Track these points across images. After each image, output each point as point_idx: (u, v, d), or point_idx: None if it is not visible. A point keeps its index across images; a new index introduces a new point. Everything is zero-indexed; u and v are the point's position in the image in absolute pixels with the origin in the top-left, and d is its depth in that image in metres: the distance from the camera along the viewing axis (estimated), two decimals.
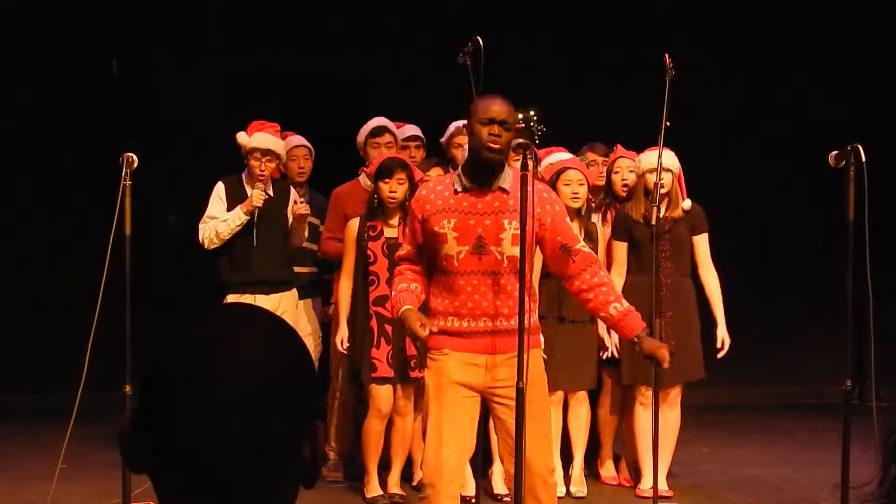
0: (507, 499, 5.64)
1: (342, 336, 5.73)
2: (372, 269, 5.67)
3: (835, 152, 4.93)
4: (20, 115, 9.10)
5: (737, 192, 9.05)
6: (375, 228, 5.68)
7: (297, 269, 6.19)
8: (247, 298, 5.79)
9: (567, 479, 5.98)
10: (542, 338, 4.57)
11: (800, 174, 8.35)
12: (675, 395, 5.85)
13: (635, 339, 4.10)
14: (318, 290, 6.51)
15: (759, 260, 9.29)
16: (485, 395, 4.13)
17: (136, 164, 4.92)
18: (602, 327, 5.86)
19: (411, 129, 6.52)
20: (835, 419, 5.37)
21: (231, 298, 5.84)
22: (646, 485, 5.80)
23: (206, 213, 5.89)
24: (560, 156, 5.97)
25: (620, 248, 5.88)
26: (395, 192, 5.62)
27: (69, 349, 5.67)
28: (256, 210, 5.78)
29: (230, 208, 5.85)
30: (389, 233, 5.68)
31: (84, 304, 5.23)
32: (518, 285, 3.98)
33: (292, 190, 6.11)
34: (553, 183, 5.78)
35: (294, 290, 6.06)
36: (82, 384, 5.03)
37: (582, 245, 4.18)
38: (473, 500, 5.50)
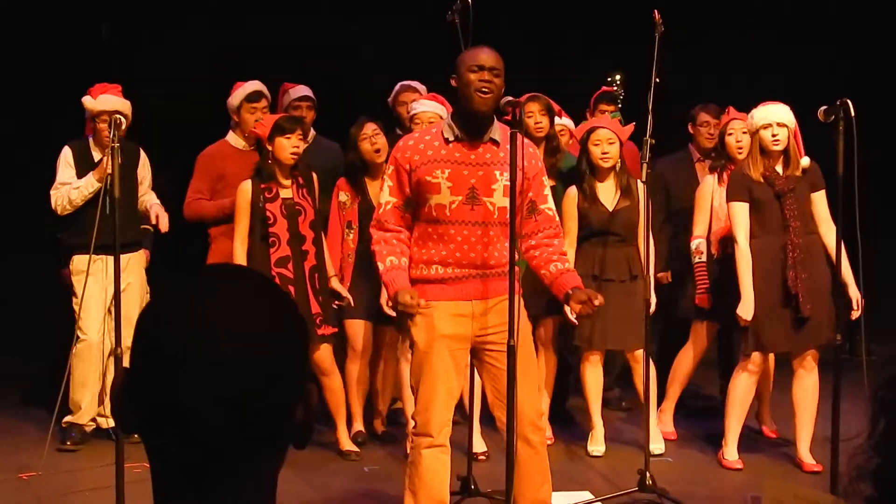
0: (482, 457, 5.61)
1: None
2: (272, 230, 5.56)
3: (824, 107, 4.92)
4: (12, 92, 9.05)
5: None
6: (271, 190, 5.58)
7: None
8: (94, 259, 5.71)
9: (646, 438, 5.77)
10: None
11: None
12: (810, 359, 5.58)
13: (569, 292, 4.11)
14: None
15: None
16: (474, 345, 4.17)
17: (124, 127, 4.87)
18: (651, 285, 5.58)
19: (303, 90, 6.44)
20: (826, 373, 5.41)
21: (77, 259, 5.83)
22: (731, 455, 5.69)
23: (57, 180, 5.86)
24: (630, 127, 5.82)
25: (742, 210, 5.50)
26: (298, 147, 5.57)
27: (61, 309, 5.67)
28: (109, 177, 5.71)
29: (79, 173, 5.83)
30: (285, 194, 5.61)
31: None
32: (503, 235, 4.07)
33: (142, 153, 6.08)
34: (584, 143, 5.73)
35: (142, 251, 6.05)
36: (73, 345, 5.04)
37: (548, 207, 4.23)
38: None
